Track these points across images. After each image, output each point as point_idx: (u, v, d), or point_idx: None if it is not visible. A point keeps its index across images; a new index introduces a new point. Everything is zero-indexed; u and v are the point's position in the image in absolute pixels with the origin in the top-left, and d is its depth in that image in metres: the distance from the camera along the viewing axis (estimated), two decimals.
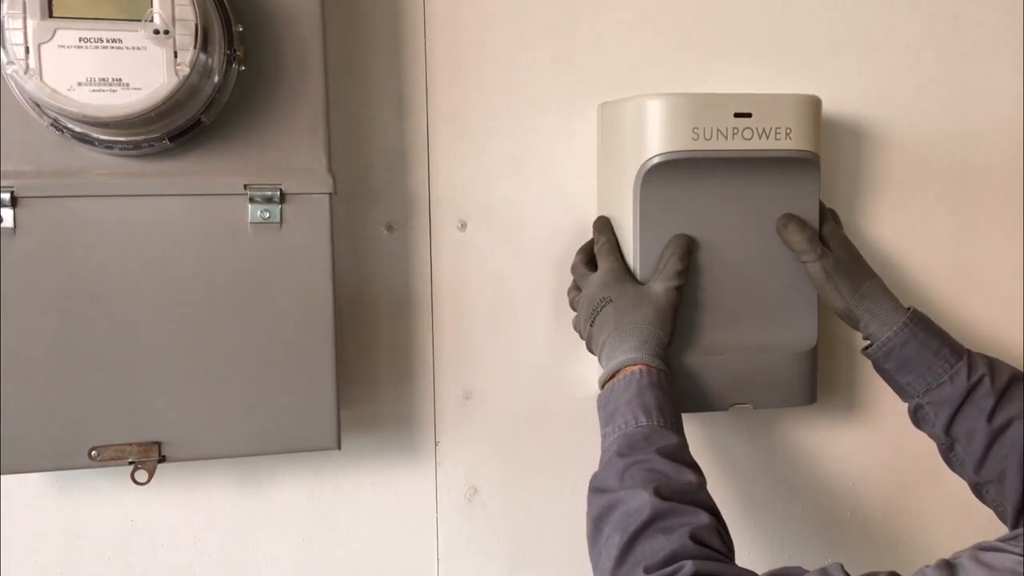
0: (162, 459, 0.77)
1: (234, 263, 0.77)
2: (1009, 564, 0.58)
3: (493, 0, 0.91)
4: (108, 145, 0.73)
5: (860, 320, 0.86)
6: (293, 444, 0.80)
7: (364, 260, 0.91)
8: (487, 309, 0.94)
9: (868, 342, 0.88)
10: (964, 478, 0.86)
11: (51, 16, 0.68)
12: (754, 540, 1.04)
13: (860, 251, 0.90)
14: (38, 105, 0.71)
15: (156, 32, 0.69)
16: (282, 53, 0.77)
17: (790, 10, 0.97)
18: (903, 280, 1.02)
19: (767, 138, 0.85)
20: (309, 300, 0.78)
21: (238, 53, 0.74)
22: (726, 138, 0.84)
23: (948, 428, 0.84)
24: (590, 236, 0.95)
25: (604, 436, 0.77)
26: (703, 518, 0.67)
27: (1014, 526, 0.81)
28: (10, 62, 0.67)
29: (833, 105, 0.97)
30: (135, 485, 0.78)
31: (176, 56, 0.69)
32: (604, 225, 0.90)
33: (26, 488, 0.86)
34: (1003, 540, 0.60)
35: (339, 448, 0.80)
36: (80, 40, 0.68)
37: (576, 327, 0.88)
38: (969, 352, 0.85)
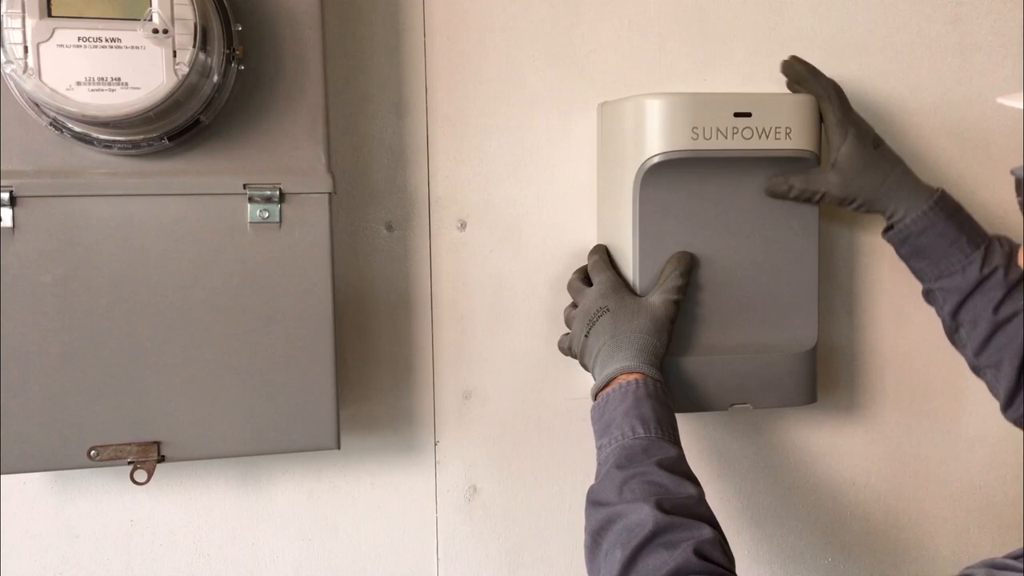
0: (161, 459, 0.77)
1: (233, 263, 0.77)
2: None
3: None
4: (107, 144, 0.73)
5: (886, 211, 0.87)
6: (292, 444, 0.80)
7: (364, 260, 0.91)
8: (487, 309, 0.94)
9: (886, 227, 0.89)
10: (964, 357, 0.90)
11: (50, 15, 0.68)
12: (754, 540, 1.04)
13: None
14: (37, 105, 0.71)
15: (155, 31, 0.69)
16: (281, 52, 0.77)
17: (789, 10, 0.97)
18: (902, 274, 1.01)
19: (767, 138, 0.85)
20: (308, 300, 0.78)
21: (237, 52, 0.74)
22: (726, 138, 0.84)
23: (955, 314, 0.87)
24: (590, 235, 0.95)
25: (600, 448, 0.76)
26: (706, 532, 0.66)
27: (1006, 407, 0.87)
28: (9, 61, 0.67)
29: None
30: (135, 485, 0.78)
31: (175, 55, 0.69)
32: (598, 247, 0.90)
33: (26, 488, 0.86)
34: (1012, 557, 0.60)
35: (338, 448, 0.80)
36: (79, 39, 0.68)
37: (562, 346, 0.88)
38: (990, 241, 0.86)
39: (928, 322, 1.02)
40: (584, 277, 0.89)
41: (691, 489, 0.71)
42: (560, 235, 0.95)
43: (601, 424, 0.77)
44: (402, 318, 0.92)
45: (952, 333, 0.89)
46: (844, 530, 1.06)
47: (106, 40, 0.69)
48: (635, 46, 0.94)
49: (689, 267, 0.85)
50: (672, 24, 0.95)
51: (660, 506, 0.67)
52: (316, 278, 0.78)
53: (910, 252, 0.88)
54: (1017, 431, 1.08)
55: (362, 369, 0.92)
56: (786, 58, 0.89)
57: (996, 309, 0.84)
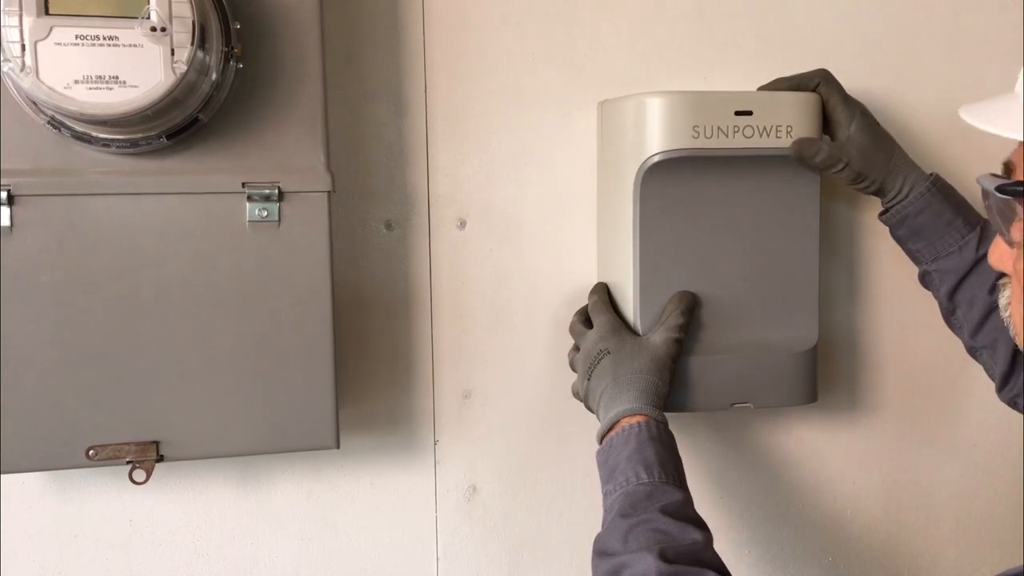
0: (160, 458, 0.77)
1: (232, 261, 0.76)
2: None
3: None
4: (105, 143, 0.73)
5: (891, 190, 0.87)
6: (291, 443, 0.80)
7: (363, 258, 0.91)
8: (486, 308, 0.94)
9: (884, 208, 0.89)
10: (961, 339, 0.90)
11: (47, 13, 0.67)
12: (753, 539, 1.03)
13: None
14: (35, 103, 0.71)
15: (153, 29, 0.68)
16: (280, 50, 0.77)
17: (789, 8, 0.97)
18: (902, 273, 1.01)
19: (768, 136, 0.85)
20: (307, 299, 0.78)
21: (236, 51, 0.74)
22: (727, 136, 0.84)
23: (951, 295, 0.87)
24: (590, 234, 0.95)
25: (606, 495, 0.75)
26: None
27: (1000, 388, 0.87)
28: (6, 60, 0.67)
29: None
30: (133, 485, 0.77)
31: (173, 54, 0.69)
32: (598, 287, 0.90)
33: (25, 488, 0.86)
34: (1020, 572, 0.60)
35: (338, 447, 0.80)
36: (76, 37, 0.68)
37: (574, 390, 0.87)
38: (984, 222, 0.87)
39: (928, 321, 1.02)
40: (585, 319, 0.88)
41: (696, 535, 0.70)
42: (560, 234, 0.94)
43: (606, 469, 0.76)
44: (401, 317, 0.92)
45: (949, 315, 0.90)
46: (844, 529, 1.05)
47: (104, 38, 0.68)
48: (635, 44, 0.94)
49: (691, 306, 0.85)
50: (672, 22, 0.95)
51: (664, 555, 0.66)
52: (315, 277, 0.78)
53: (907, 233, 0.88)
54: (1017, 430, 1.08)
55: (361, 368, 0.91)
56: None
57: (991, 290, 0.85)
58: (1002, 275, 0.72)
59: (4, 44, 0.67)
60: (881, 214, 0.90)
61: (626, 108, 0.86)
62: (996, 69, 1.03)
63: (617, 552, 0.69)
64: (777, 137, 0.85)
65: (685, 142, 0.83)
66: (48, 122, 0.72)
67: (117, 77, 0.69)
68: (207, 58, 0.71)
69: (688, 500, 0.74)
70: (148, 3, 0.68)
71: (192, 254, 0.76)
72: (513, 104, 0.92)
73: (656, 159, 0.83)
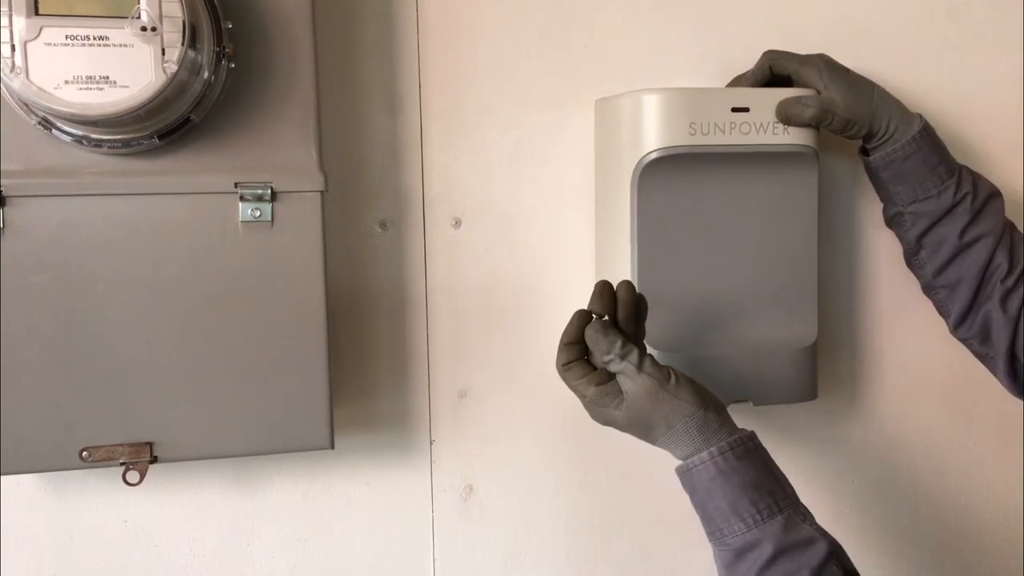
0: (154, 460, 0.77)
1: (225, 262, 0.76)
2: None
3: None
4: (97, 144, 0.73)
5: (880, 129, 0.87)
6: (286, 444, 0.80)
7: (357, 258, 0.90)
8: (482, 307, 0.93)
9: (869, 148, 0.89)
10: (918, 277, 0.94)
11: (37, 14, 0.67)
12: None
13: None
14: (25, 104, 0.70)
15: (143, 29, 0.68)
16: (273, 50, 0.76)
17: (787, 4, 0.96)
18: (902, 271, 1.01)
19: (765, 133, 0.85)
20: (301, 299, 0.78)
21: (227, 50, 0.73)
22: (724, 133, 0.84)
23: (921, 237, 0.90)
24: (587, 233, 0.94)
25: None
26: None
27: (956, 326, 0.91)
28: None
29: None
30: (128, 486, 0.77)
31: (164, 53, 0.68)
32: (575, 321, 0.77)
33: (19, 489, 0.86)
34: None
35: (332, 448, 0.80)
36: (67, 38, 0.68)
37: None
38: (961, 169, 0.89)
39: (929, 317, 1.02)
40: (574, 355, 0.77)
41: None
42: (556, 232, 0.94)
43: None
44: (396, 317, 0.92)
45: (912, 255, 0.93)
46: (844, 526, 1.05)
47: (94, 38, 0.68)
48: (632, 41, 0.94)
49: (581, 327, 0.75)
50: (669, 19, 0.94)
51: None
52: (309, 277, 0.78)
53: (891, 176, 0.89)
54: (1018, 429, 1.07)
55: (356, 368, 0.91)
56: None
57: (961, 234, 0.88)
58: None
59: None
60: (863, 154, 0.91)
61: (622, 105, 0.86)
62: (996, 62, 1.02)
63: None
64: (774, 134, 0.85)
65: (682, 139, 0.83)
66: (39, 123, 0.71)
67: (107, 77, 0.68)
68: (198, 58, 0.71)
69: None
70: (138, 3, 0.68)
71: (185, 254, 0.75)
72: (508, 102, 0.92)
73: (653, 156, 0.83)
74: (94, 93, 0.68)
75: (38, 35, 0.67)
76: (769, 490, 0.71)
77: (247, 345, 0.77)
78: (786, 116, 0.84)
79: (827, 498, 1.04)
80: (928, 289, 0.94)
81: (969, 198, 0.88)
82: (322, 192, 0.77)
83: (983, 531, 1.09)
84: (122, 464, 0.76)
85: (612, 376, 0.75)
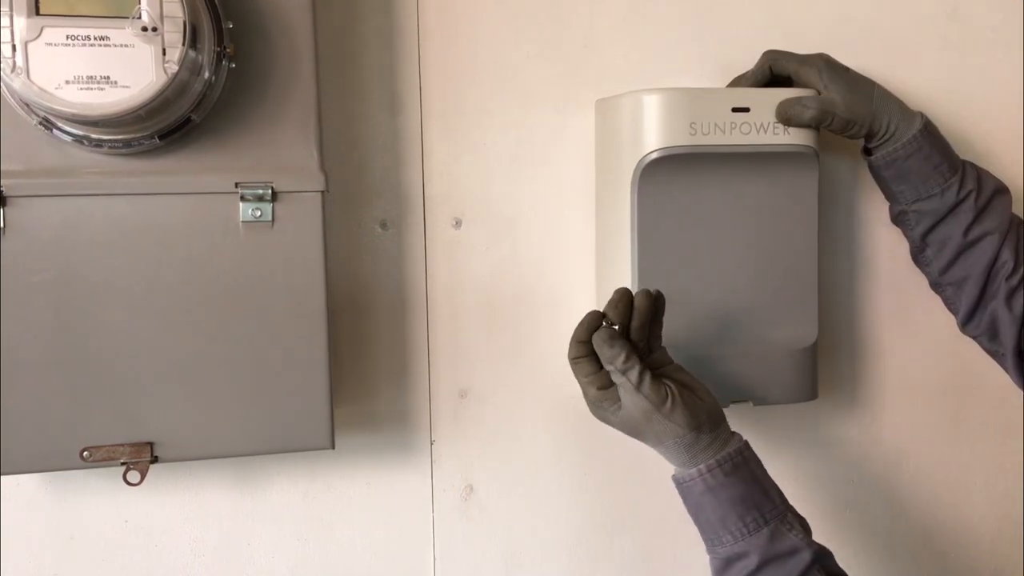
0: (154, 460, 0.77)
1: (226, 262, 0.76)
2: None
3: None
4: (98, 144, 0.72)
5: (880, 129, 0.87)
6: (287, 444, 0.79)
7: (358, 258, 0.90)
8: (482, 307, 0.93)
9: (871, 148, 0.89)
10: (925, 274, 0.94)
11: (38, 14, 0.67)
12: None
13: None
14: (26, 104, 0.70)
15: (144, 29, 0.68)
16: (273, 50, 0.76)
17: (787, 4, 0.96)
18: (903, 269, 1.01)
19: (765, 133, 0.85)
20: (302, 299, 0.78)
21: (228, 50, 0.73)
22: (724, 133, 0.84)
23: (926, 235, 0.90)
24: (587, 233, 0.94)
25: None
26: None
27: (964, 323, 0.91)
28: None
29: None
30: (128, 486, 0.77)
31: (165, 53, 0.68)
32: (588, 320, 0.77)
33: (20, 489, 0.86)
34: None
35: (333, 448, 0.80)
36: (67, 38, 0.68)
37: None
38: (964, 165, 0.89)
39: (929, 317, 1.02)
40: (580, 353, 0.77)
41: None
42: (557, 232, 0.94)
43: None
44: (397, 317, 0.92)
45: (918, 253, 0.93)
46: (843, 527, 1.05)
47: (95, 38, 0.68)
48: (632, 41, 0.94)
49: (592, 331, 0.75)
50: (669, 19, 0.94)
51: None
52: (309, 277, 0.78)
53: (893, 175, 0.89)
54: (1018, 428, 1.07)
55: (357, 368, 0.91)
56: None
57: (966, 232, 0.88)
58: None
59: None
60: (866, 154, 0.90)
61: (623, 106, 0.86)
62: (996, 62, 1.02)
63: None
64: (775, 134, 0.85)
65: (682, 139, 0.83)
66: (40, 123, 0.71)
67: (108, 77, 0.68)
68: (199, 58, 0.71)
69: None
70: (139, 3, 0.68)
71: (185, 254, 0.75)
72: (509, 102, 0.92)
73: (653, 156, 0.83)
74: (95, 93, 0.68)
75: (39, 35, 0.67)
76: (756, 503, 0.74)
77: (248, 345, 0.77)
78: (786, 117, 0.84)
79: (827, 498, 1.04)
80: (935, 286, 0.94)
81: (973, 195, 0.87)
82: (323, 192, 0.77)
83: (983, 531, 1.09)
84: (123, 464, 0.76)
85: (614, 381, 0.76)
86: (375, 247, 0.91)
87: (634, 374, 0.73)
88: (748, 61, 0.93)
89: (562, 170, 0.93)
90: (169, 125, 0.73)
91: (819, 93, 0.86)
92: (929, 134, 0.87)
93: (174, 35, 0.68)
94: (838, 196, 0.99)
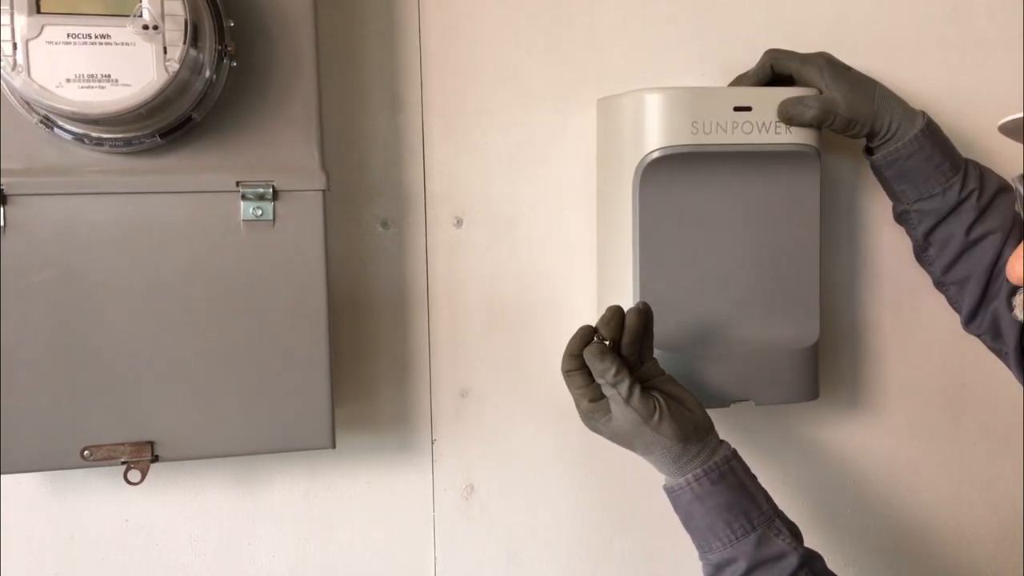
0: (155, 459, 0.76)
1: (227, 261, 0.76)
2: None
3: None
4: (98, 142, 0.72)
5: (882, 128, 0.87)
6: (287, 443, 0.79)
7: (359, 257, 0.90)
8: (484, 306, 0.93)
9: (872, 147, 0.89)
10: (928, 273, 0.94)
11: (39, 12, 0.67)
12: None
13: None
14: (27, 102, 0.70)
15: (145, 27, 0.68)
16: (274, 48, 0.76)
17: (788, 3, 0.96)
18: (904, 269, 1.01)
19: (767, 132, 0.85)
20: (303, 298, 0.78)
21: (229, 49, 0.73)
22: (726, 132, 0.84)
23: (928, 234, 0.90)
24: (588, 232, 0.94)
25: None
26: None
27: (967, 322, 0.91)
28: None
29: None
30: (129, 485, 0.77)
31: (166, 52, 0.68)
32: (581, 333, 0.78)
33: (20, 488, 0.86)
34: None
35: (334, 447, 0.80)
36: (68, 36, 0.68)
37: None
38: (967, 164, 0.88)
39: (930, 316, 1.02)
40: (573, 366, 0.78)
41: None
42: (558, 232, 0.94)
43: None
44: (398, 316, 0.92)
45: (921, 252, 0.93)
46: (845, 527, 1.05)
47: (96, 36, 0.68)
48: (634, 40, 0.94)
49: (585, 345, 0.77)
50: (670, 18, 0.94)
51: None
52: (310, 276, 0.78)
53: (895, 175, 0.89)
54: (1019, 427, 1.07)
55: (358, 368, 0.91)
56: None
57: (968, 231, 0.88)
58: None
59: None
60: (868, 153, 0.90)
61: (624, 104, 0.86)
62: (997, 62, 1.02)
63: None
64: (776, 133, 0.85)
65: (684, 138, 0.83)
66: (41, 121, 0.71)
67: (109, 76, 0.68)
68: (200, 56, 0.71)
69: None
70: (140, 1, 0.68)
71: (186, 253, 0.75)
72: (510, 101, 0.92)
73: (655, 155, 0.83)
74: (95, 91, 0.68)
75: (40, 33, 0.67)
76: (743, 510, 0.76)
77: (248, 344, 0.77)
78: (787, 116, 0.84)
79: (828, 498, 1.04)
80: (939, 285, 0.94)
81: (975, 195, 0.87)
82: (324, 191, 0.77)
83: (983, 531, 1.09)
84: (123, 463, 0.76)
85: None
86: (376, 246, 0.91)
87: (624, 387, 0.75)
88: (749, 60, 0.92)
89: (563, 169, 0.93)
90: (170, 124, 0.73)
91: (821, 92, 0.86)
92: (931, 133, 0.87)
93: (175, 33, 0.68)
94: (840, 195, 0.99)
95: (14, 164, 0.72)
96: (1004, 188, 0.90)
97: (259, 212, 0.76)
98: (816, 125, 0.85)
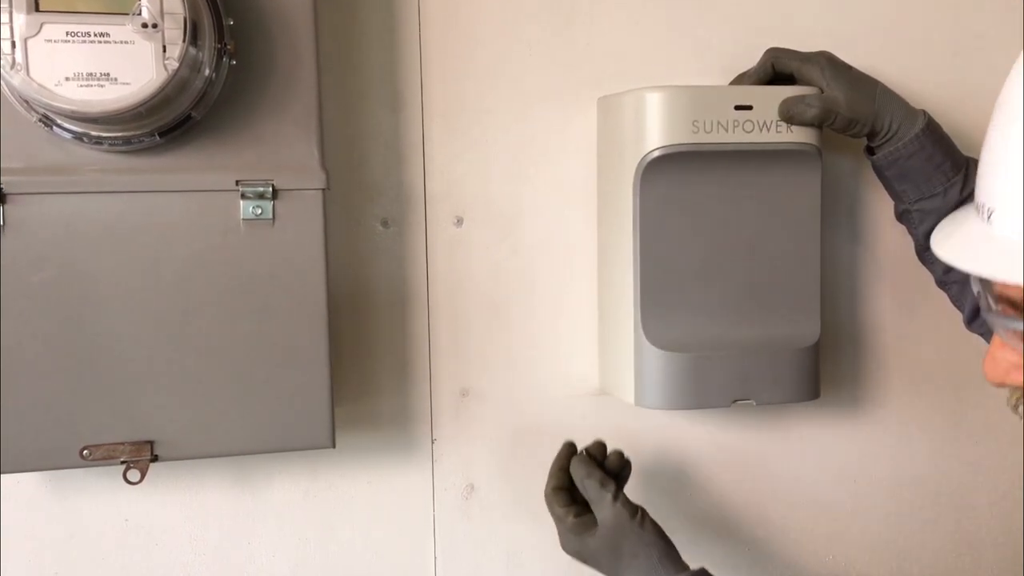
0: (154, 458, 0.76)
1: (226, 260, 0.76)
2: None
3: None
4: (98, 141, 0.72)
5: (883, 128, 0.87)
6: (287, 443, 0.79)
7: (359, 256, 0.90)
8: (484, 305, 0.93)
9: (873, 147, 0.89)
10: (930, 272, 0.94)
11: (38, 10, 0.67)
12: (755, 537, 1.03)
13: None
14: (26, 101, 0.70)
15: (144, 26, 0.68)
16: (274, 47, 0.76)
17: (789, 2, 0.96)
18: (905, 268, 1.01)
19: (768, 131, 0.85)
20: (303, 297, 0.77)
21: (229, 47, 0.73)
22: (726, 131, 0.83)
23: (929, 234, 0.88)
24: (589, 231, 0.94)
25: None
26: None
27: (969, 321, 0.91)
28: None
29: None
30: (129, 485, 0.77)
31: (165, 50, 0.68)
32: (559, 455, 0.86)
33: (20, 488, 0.86)
34: None
35: (334, 447, 0.80)
36: (67, 34, 0.67)
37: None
38: (968, 163, 0.88)
39: (931, 316, 1.02)
40: (553, 487, 0.85)
41: None
42: (558, 231, 0.94)
43: None
44: (398, 315, 0.91)
45: (923, 251, 0.92)
46: (846, 527, 1.05)
47: (95, 35, 0.68)
48: (634, 39, 0.93)
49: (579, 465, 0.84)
50: (671, 17, 0.94)
51: None
52: (310, 275, 0.77)
53: (896, 175, 0.89)
54: (1018, 428, 1.07)
55: (358, 367, 0.91)
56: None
57: None
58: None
59: None
60: (869, 153, 0.90)
61: (625, 103, 0.86)
62: (997, 62, 1.02)
63: None
64: (777, 132, 0.85)
65: (685, 137, 0.83)
66: (39, 119, 0.71)
67: (108, 74, 0.68)
68: (199, 55, 0.71)
69: None
70: None
71: (186, 252, 0.75)
72: (510, 100, 0.91)
73: (656, 154, 0.83)
74: (95, 90, 0.68)
75: (39, 31, 0.67)
76: None
77: (248, 343, 0.77)
78: (789, 116, 0.84)
79: (830, 498, 1.04)
80: (941, 284, 0.94)
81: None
82: (324, 190, 0.77)
83: (985, 530, 1.08)
84: (123, 463, 0.76)
85: (590, 509, 0.83)
86: (376, 245, 0.90)
87: (611, 487, 0.82)
88: (750, 59, 0.92)
89: (564, 168, 0.93)
90: (169, 122, 0.72)
91: (821, 91, 0.85)
92: (931, 133, 0.87)
93: (174, 32, 0.68)
94: (841, 195, 0.99)
95: (13, 163, 0.72)
96: None
97: (259, 211, 0.76)
98: (817, 124, 0.85)
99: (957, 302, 0.93)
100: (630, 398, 0.87)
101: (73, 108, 0.68)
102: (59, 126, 0.71)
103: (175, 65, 0.68)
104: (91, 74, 0.68)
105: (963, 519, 1.08)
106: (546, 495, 0.85)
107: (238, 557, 0.91)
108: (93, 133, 0.72)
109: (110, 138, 0.72)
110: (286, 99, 0.76)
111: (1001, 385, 0.61)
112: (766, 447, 1.02)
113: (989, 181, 0.55)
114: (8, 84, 0.68)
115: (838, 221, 0.99)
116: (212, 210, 0.75)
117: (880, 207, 1.00)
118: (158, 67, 0.68)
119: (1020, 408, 0.66)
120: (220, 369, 0.76)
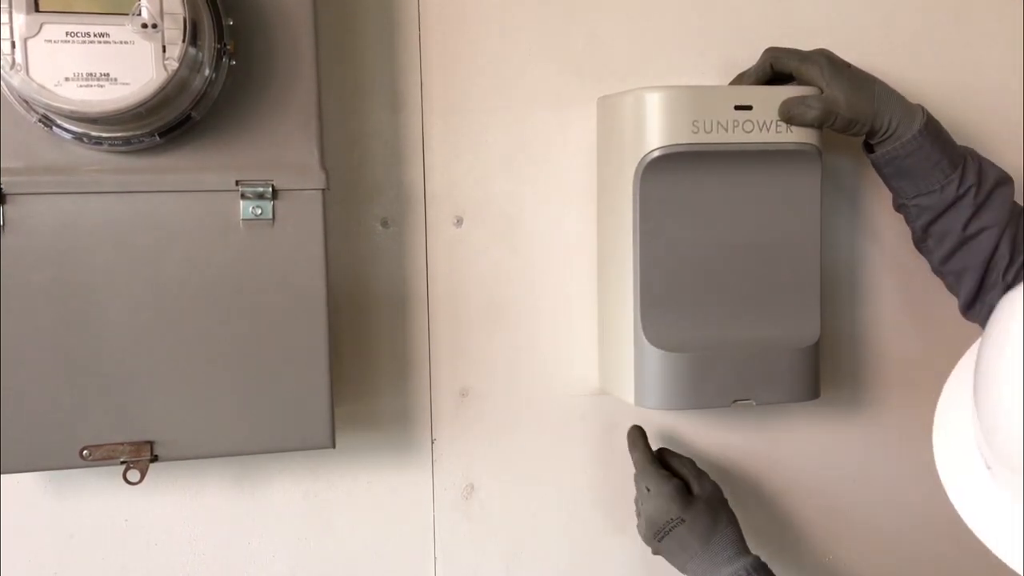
0: (154, 458, 0.76)
1: (226, 260, 0.76)
2: None
3: None
4: (98, 141, 0.72)
5: (882, 126, 0.87)
6: (287, 443, 0.79)
7: (358, 256, 0.90)
8: (483, 305, 0.93)
9: (871, 145, 0.89)
10: (928, 262, 0.95)
11: (37, 10, 0.67)
12: (755, 536, 1.03)
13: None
14: (26, 101, 0.70)
15: (144, 26, 0.68)
16: (274, 47, 0.76)
17: (789, 2, 0.96)
18: (905, 268, 1.00)
19: (768, 131, 0.85)
20: (302, 297, 0.77)
21: (229, 47, 0.73)
22: (726, 131, 0.83)
23: (926, 227, 0.91)
24: (589, 231, 0.94)
25: None
26: None
27: (965, 310, 0.92)
28: None
29: None
30: (129, 485, 0.77)
31: (165, 50, 0.68)
32: (636, 438, 0.94)
33: (20, 488, 0.86)
34: None
35: (333, 447, 0.80)
36: (67, 34, 0.67)
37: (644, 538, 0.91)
38: (965, 160, 0.88)
39: (931, 316, 1.02)
40: (650, 460, 0.92)
41: None
42: (558, 231, 0.94)
43: None
44: (398, 315, 0.91)
45: (920, 242, 0.93)
46: (845, 526, 1.05)
47: (95, 35, 0.68)
48: (634, 39, 0.93)
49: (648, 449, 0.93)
50: (671, 17, 0.94)
51: None
52: (310, 275, 0.77)
53: (894, 172, 0.89)
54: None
55: (358, 367, 0.91)
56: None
57: (965, 226, 0.88)
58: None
59: None
60: (868, 151, 0.90)
61: (625, 103, 0.86)
62: (999, 60, 1.02)
63: None
64: (777, 132, 0.85)
65: (684, 137, 0.83)
66: (39, 120, 0.71)
67: (108, 74, 0.68)
68: (199, 55, 0.71)
69: None
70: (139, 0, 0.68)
71: (186, 253, 0.75)
72: (510, 100, 0.91)
73: (655, 154, 0.83)
74: (94, 90, 0.68)
75: (38, 32, 0.67)
76: None
77: (248, 343, 0.77)
78: (789, 117, 0.84)
79: (830, 497, 1.04)
80: (937, 273, 0.94)
81: (973, 191, 0.87)
82: (323, 190, 0.77)
83: None
84: (122, 463, 0.76)
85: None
86: (376, 245, 0.90)
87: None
88: (750, 58, 0.92)
89: (563, 168, 0.93)
90: (169, 123, 0.73)
91: (821, 91, 0.85)
92: (930, 131, 0.87)
93: (174, 32, 0.68)
94: (841, 194, 0.99)
95: (13, 163, 0.72)
96: (1002, 181, 0.90)
97: (259, 211, 0.76)
98: (817, 126, 0.85)
99: (952, 291, 0.93)
100: (630, 398, 0.87)
101: (73, 108, 0.68)
102: (59, 126, 0.71)
103: (175, 65, 0.68)
104: (91, 74, 0.68)
105: (963, 519, 1.07)
106: (642, 467, 0.90)
107: (238, 557, 0.91)
108: (93, 133, 0.72)
109: (110, 138, 0.72)
110: (286, 99, 0.76)
111: None
112: (766, 447, 1.02)
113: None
114: (8, 84, 0.68)
115: (838, 221, 0.99)
116: (212, 210, 0.75)
117: (880, 207, 1.00)
118: (158, 67, 0.68)
119: None
120: (220, 369, 0.77)
